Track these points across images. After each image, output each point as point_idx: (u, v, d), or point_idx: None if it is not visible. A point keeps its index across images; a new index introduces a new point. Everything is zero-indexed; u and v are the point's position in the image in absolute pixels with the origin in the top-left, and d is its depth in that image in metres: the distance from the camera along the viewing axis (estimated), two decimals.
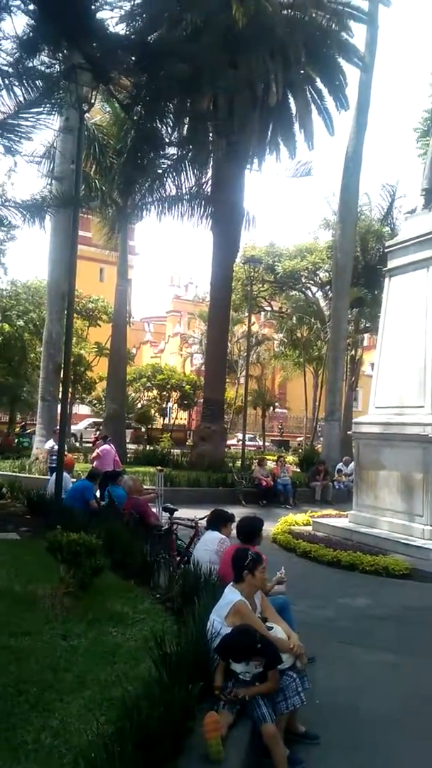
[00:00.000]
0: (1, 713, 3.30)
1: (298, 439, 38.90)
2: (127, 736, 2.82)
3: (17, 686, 3.63)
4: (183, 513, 8.09)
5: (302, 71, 17.53)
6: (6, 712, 3.32)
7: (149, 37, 8.30)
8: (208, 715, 3.08)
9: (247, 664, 3.57)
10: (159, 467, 13.20)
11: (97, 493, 9.59)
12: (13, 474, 13.94)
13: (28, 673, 3.82)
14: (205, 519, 6.32)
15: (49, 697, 3.54)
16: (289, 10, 17.87)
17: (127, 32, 8.95)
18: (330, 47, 17.68)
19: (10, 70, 7.96)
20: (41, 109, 7.14)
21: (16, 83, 7.74)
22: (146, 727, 2.90)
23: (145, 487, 11.15)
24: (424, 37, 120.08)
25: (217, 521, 5.94)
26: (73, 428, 27.73)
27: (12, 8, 7.85)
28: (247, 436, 29.49)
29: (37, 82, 7.69)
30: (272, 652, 3.64)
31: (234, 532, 5.51)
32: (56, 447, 11.72)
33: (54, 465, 10.69)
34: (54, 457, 11.72)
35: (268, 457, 22.03)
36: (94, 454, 14.15)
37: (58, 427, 12.55)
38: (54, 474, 9.47)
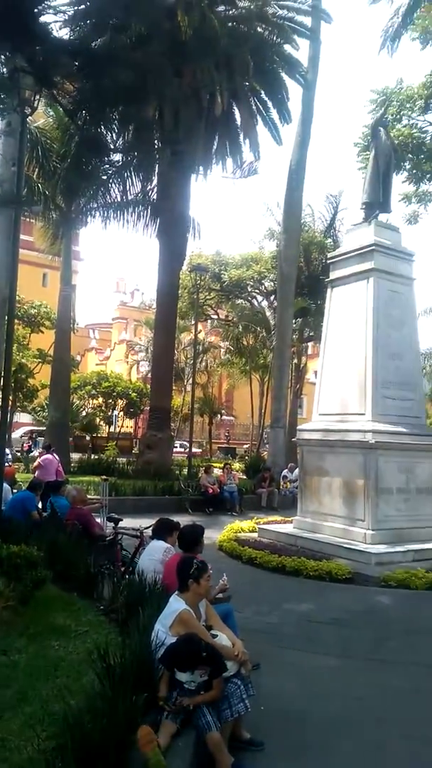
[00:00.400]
0: None
1: (245, 446, 39.19)
2: (68, 752, 2.77)
3: None
4: (129, 523, 8.02)
5: (247, 83, 17.80)
6: None
7: (93, 43, 8.25)
8: (140, 729, 3.04)
9: (192, 673, 3.57)
10: (104, 476, 13.03)
11: (39, 504, 9.36)
12: None
13: None
14: (150, 528, 6.28)
15: None
16: (235, 23, 18.13)
17: (71, 37, 8.88)
18: (274, 61, 18.03)
19: None
20: None
21: None
22: (88, 741, 2.85)
23: (89, 496, 11.00)
24: (365, 54, 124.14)
25: (163, 530, 5.90)
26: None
27: None
28: (183, 443, 29.44)
29: None
30: (217, 660, 3.64)
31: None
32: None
33: None
34: None
35: (214, 464, 22.09)
36: (36, 463, 13.82)
37: None
38: None
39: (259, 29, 17.64)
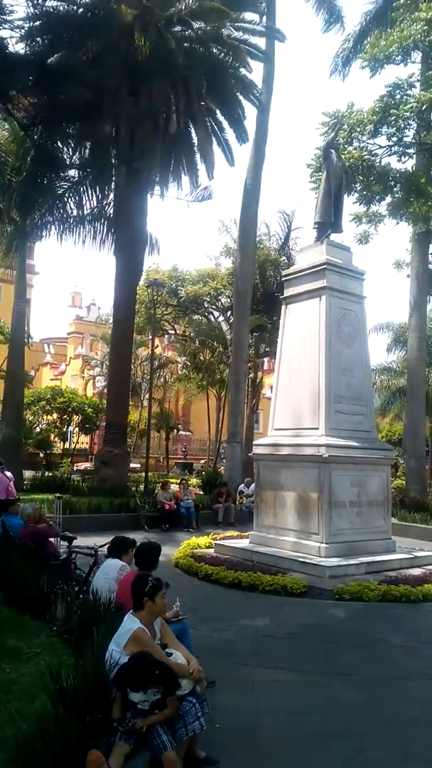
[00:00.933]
0: None
1: (202, 461, 39.14)
2: None
3: None
4: (84, 541, 7.90)
5: (203, 103, 18.09)
6: None
7: (49, 59, 8.27)
8: (89, 753, 3.01)
9: (145, 692, 3.54)
10: (57, 494, 12.80)
11: None
12: None
13: None
14: (105, 546, 6.21)
15: None
16: (191, 44, 18.43)
17: (27, 52, 8.87)
18: (229, 82, 18.39)
19: None
20: None
21: None
22: (40, 766, 2.80)
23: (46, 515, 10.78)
24: (317, 77, 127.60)
25: (118, 548, 5.85)
26: None
27: None
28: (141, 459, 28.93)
29: None
30: (170, 678, 3.63)
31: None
32: None
33: None
34: None
35: (171, 480, 21.97)
36: None
37: None
38: None
39: (214, 50, 17.99)
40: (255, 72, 20.17)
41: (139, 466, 29.13)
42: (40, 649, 4.89)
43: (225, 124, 19.32)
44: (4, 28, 7.38)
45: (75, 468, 30.30)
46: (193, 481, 23.98)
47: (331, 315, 10.97)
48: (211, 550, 11.57)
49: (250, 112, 19.91)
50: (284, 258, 28.23)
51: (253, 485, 15.00)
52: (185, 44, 17.82)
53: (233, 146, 19.61)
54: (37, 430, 32.93)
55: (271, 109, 21.42)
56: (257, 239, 24.95)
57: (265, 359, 32.73)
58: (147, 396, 27.43)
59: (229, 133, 19.45)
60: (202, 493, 19.81)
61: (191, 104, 16.94)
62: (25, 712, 3.71)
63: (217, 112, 19.19)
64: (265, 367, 35.05)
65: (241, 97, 19.19)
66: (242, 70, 19.20)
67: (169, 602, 4.70)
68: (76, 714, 3.27)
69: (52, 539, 8.33)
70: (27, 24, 8.82)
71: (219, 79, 17.93)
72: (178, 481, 19.37)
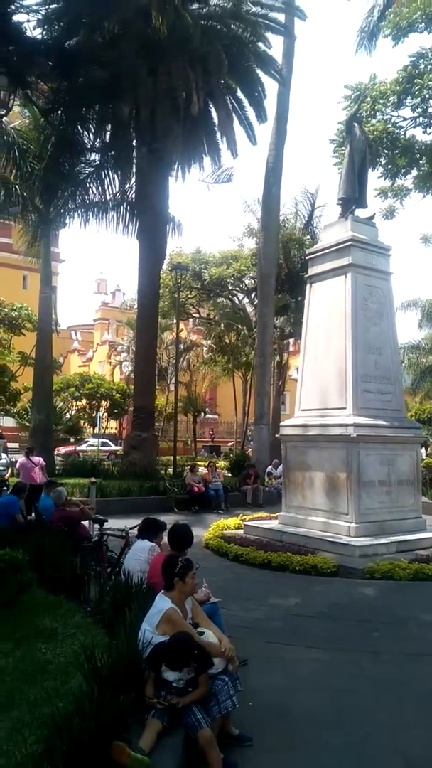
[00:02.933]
0: None
1: (229, 444, 39.26)
2: (57, 754, 2.78)
3: None
4: (115, 523, 8.00)
5: (222, 81, 17.79)
6: None
7: (67, 43, 8.22)
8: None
9: (180, 671, 3.59)
10: (91, 479, 12.99)
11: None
12: None
13: None
14: (136, 528, 6.29)
15: None
16: (209, 21, 18.11)
17: (45, 37, 8.82)
18: (249, 58, 18.05)
19: None
20: None
21: None
22: (77, 743, 2.86)
23: (78, 499, 10.98)
24: (339, 49, 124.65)
25: (149, 530, 5.92)
26: None
27: None
28: (101, 440, 29.26)
29: None
30: (203, 657, 3.67)
31: (165, 539, 5.51)
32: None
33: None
34: None
35: (199, 463, 22.09)
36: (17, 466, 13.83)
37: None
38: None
39: (233, 27, 17.65)
40: (275, 47, 19.77)
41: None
42: (75, 630, 4.98)
43: (245, 102, 19.01)
44: (21, 13, 7.32)
45: (109, 454, 30.66)
46: (221, 463, 24.08)
47: (357, 293, 10.80)
48: (241, 531, 11.63)
49: (271, 89, 19.59)
50: (308, 237, 27.86)
51: (281, 467, 15.01)
52: (203, 22, 17.54)
53: (254, 124, 19.31)
54: (67, 416, 33.40)
55: (292, 84, 21.02)
56: (281, 218, 24.65)
57: (291, 340, 32.49)
58: (173, 380, 27.53)
59: (250, 111, 19.14)
60: (230, 475, 19.89)
61: (210, 82, 16.69)
62: (61, 691, 3.79)
63: (238, 89, 18.87)
64: (291, 348, 34.83)
65: (261, 74, 18.83)
66: (262, 45, 18.80)
67: (200, 583, 4.74)
68: (111, 693, 3.32)
69: (84, 522, 8.47)
70: (44, 8, 8.74)
71: (238, 55, 17.60)
72: (206, 463, 19.48)
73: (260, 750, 3.98)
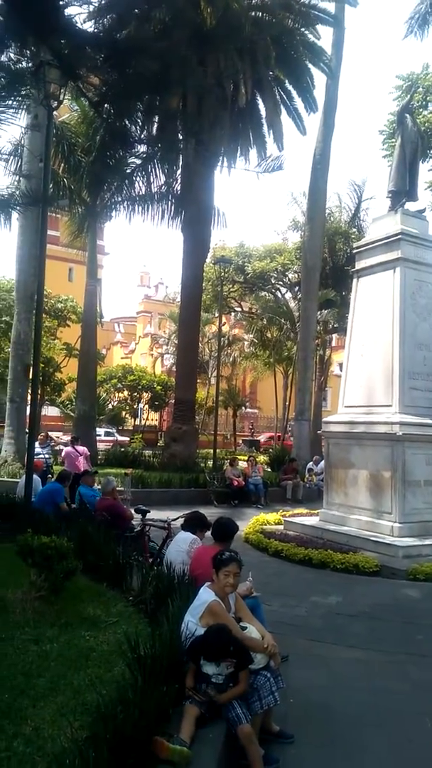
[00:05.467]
0: None
1: (269, 438, 39.12)
2: (101, 742, 2.79)
3: None
4: (155, 514, 8.05)
5: (271, 72, 17.63)
6: None
7: (118, 35, 8.23)
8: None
9: (218, 665, 3.56)
10: (126, 471, 13.13)
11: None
12: None
13: (0, 679, 3.75)
14: (178, 520, 6.29)
15: (21, 703, 3.48)
16: (258, 12, 17.95)
17: (96, 29, 8.86)
18: (297, 49, 17.83)
19: None
20: (9, 103, 7.02)
21: None
22: (121, 732, 2.86)
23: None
24: (390, 39, 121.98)
25: (194, 524, 5.90)
26: None
27: None
28: (105, 429, 29.18)
29: (3, 78, 7.57)
30: (243, 653, 3.64)
31: (209, 533, 5.50)
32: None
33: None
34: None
35: (239, 456, 22.07)
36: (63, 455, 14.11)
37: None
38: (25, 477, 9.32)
39: (282, 17, 17.45)
40: (324, 38, 19.47)
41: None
42: (117, 618, 5.02)
43: (294, 93, 18.80)
44: (73, 5, 7.36)
45: (113, 444, 30.98)
46: (261, 458, 24.00)
47: (405, 287, 10.56)
48: (281, 527, 11.56)
49: (319, 79, 19.29)
50: (355, 230, 27.46)
51: (322, 463, 14.85)
52: (252, 12, 17.39)
53: (303, 115, 19.08)
54: (110, 406, 33.85)
55: (341, 75, 20.65)
56: (327, 211, 24.32)
57: (334, 336, 32.13)
58: (214, 373, 27.55)
59: (298, 102, 18.93)
60: (270, 470, 19.81)
61: (259, 73, 16.56)
62: (105, 679, 3.82)
63: (285, 80, 18.68)
64: (334, 343, 34.43)
65: (310, 65, 18.58)
66: (311, 36, 18.56)
67: (242, 578, 4.71)
68: (154, 682, 3.33)
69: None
70: (96, 0, 8.76)
71: (287, 46, 17.41)
72: (246, 457, 19.45)
73: (301, 747, 3.95)
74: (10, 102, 7.03)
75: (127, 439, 32.16)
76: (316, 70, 18.75)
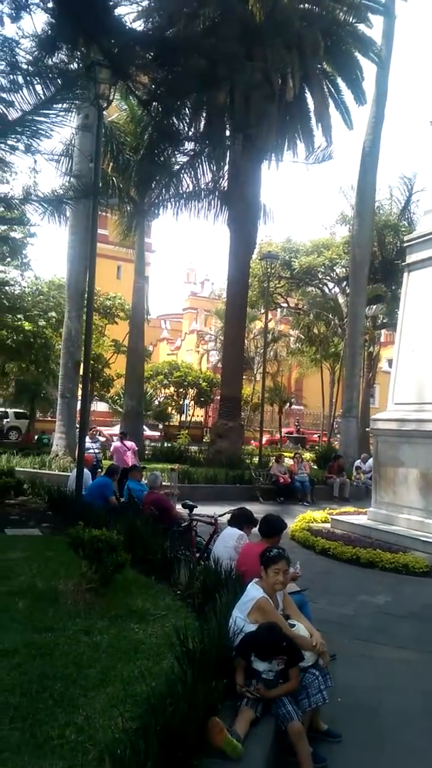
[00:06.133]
0: (26, 709, 3.32)
1: (315, 435, 38.78)
2: (151, 734, 2.83)
3: (41, 682, 3.65)
4: (201, 510, 8.09)
5: (319, 65, 17.41)
6: (31, 707, 3.34)
7: (167, 33, 8.29)
8: (209, 721, 3.05)
9: (269, 662, 3.56)
10: (172, 466, 13.24)
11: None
12: (34, 470, 14.04)
13: (52, 668, 3.85)
14: (225, 515, 6.31)
15: (73, 692, 3.56)
16: (307, 4, 17.74)
17: (145, 28, 8.95)
18: (346, 40, 17.54)
19: (30, 68, 8.00)
20: (60, 106, 7.16)
21: (36, 81, 7.78)
22: (171, 724, 2.90)
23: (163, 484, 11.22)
24: None
25: (241, 520, 5.90)
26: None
27: (31, 6, 7.88)
28: None
29: (56, 80, 7.72)
30: (294, 650, 3.63)
31: (255, 528, 5.49)
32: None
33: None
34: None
35: (285, 453, 21.96)
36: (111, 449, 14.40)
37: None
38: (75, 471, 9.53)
39: (331, 8, 17.19)
40: (374, 26, 19.07)
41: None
42: (165, 611, 5.08)
43: (342, 85, 18.52)
44: (123, 5, 7.44)
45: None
46: (307, 455, 23.81)
47: None
48: (328, 525, 11.45)
49: (368, 70, 18.94)
50: (405, 223, 26.86)
51: (370, 461, 14.62)
52: (301, 5, 17.19)
53: (351, 108, 18.78)
54: (156, 402, 34.20)
55: (391, 65, 20.21)
56: (376, 204, 23.88)
57: (383, 331, 31.51)
58: (260, 370, 27.46)
59: (347, 95, 18.65)
60: (316, 467, 19.63)
61: (307, 66, 16.37)
62: (154, 671, 3.87)
63: (334, 73, 18.42)
64: (383, 339, 33.79)
65: (359, 56, 18.26)
66: (360, 26, 18.22)
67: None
68: (203, 676, 3.35)
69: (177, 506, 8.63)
70: (144, 0, 8.85)
71: (336, 38, 17.16)
72: (292, 454, 19.34)
73: (349, 747, 3.92)
74: (62, 106, 7.15)
75: (157, 434, 32.34)
76: (365, 60, 18.42)
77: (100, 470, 12.33)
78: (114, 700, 3.49)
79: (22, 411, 29.30)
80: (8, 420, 28.65)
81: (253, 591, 3.94)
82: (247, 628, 3.77)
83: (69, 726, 3.18)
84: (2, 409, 30.29)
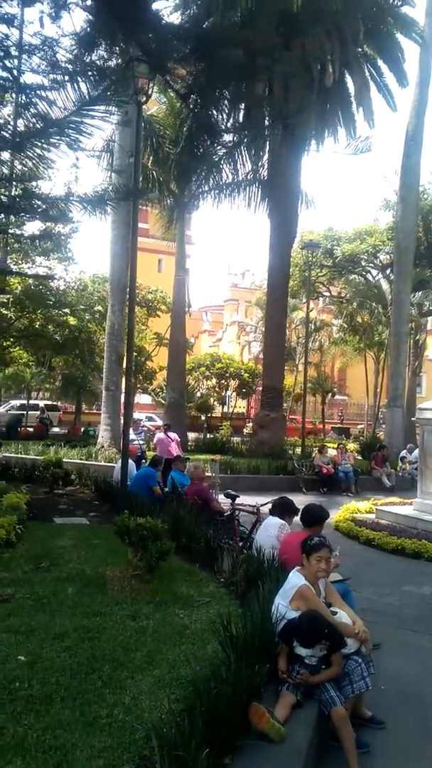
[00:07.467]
0: (76, 689, 3.46)
1: (359, 426, 38.32)
2: (197, 715, 2.91)
3: (90, 664, 3.78)
4: (243, 500, 8.16)
5: (359, 49, 17.06)
6: (81, 688, 3.48)
7: (203, 25, 8.30)
8: (251, 707, 3.11)
9: (312, 647, 3.61)
10: (213, 457, 13.35)
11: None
12: (81, 462, 14.39)
13: (100, 651, 3.98)
14: (267, 505, 6.36)
15: (120, 674, 3.68)
16: None
17: (182, 21, 8.97)
18: (388, 22, 17.13)
19: (70, 66, 8.14)
20: (102, 109, 7.27)
21: (76, 79, 7.91)
22: (215, 706, 2.98)
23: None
24: None
25: (282, 509, 5.95)
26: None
27: (70, 5, 8.01)
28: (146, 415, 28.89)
29: (96, 77, 7.83)
30: (336, 637, 3.66)
31: (297, 517, 5.53)
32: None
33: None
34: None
35: (328, 444, 21.81)
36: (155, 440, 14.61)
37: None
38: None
39: None
40: (417, 5, 18.55)
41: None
42: (209, 598, 5.17)
43: (384, 67, 18.13)
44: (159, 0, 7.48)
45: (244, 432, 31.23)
46: (351, 446, 23.57)
47: None
48: (372, 516, 11.37)
49: (411, 51, 18.48)
50: None
51: (416, 451, 14.41)
52: None
53: (393, 90, 18.36)
54: (198, 394, 34.41)
55: None
56: (420, 188, 23.31)
57: (430, 318, 30.84)
58: (302, 360, 27.27)
59: (389, 77, 18.25)
60: (360, 458, 19.45)
61: (347, 51, 16.07)
62: (198, 655, 3.96)
63: (375, 55, 18.03)
64: (429, 326, 33.07)
65: (400, 37, 17.82)
66: (402, 6, 17.76)
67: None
68: (246, 661, 3.42)
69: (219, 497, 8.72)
70: None
71: (377, 20, 16.78)
72: (336, 445, 19.19)
73: (392, 734, 3.94)
74: (103, 107, 7.25)
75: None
76: (407, 42, 17.96)
77: (144, 461, 12.55)
78: (160, 683, 3.59)
79: (53, 403, 31.04)
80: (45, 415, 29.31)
81: (295, 579, 3.98)
82: (289, 614, 3.82)
83: (117, 706, 3.30)
84: (37, 402, 31.57)
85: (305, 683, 3.53)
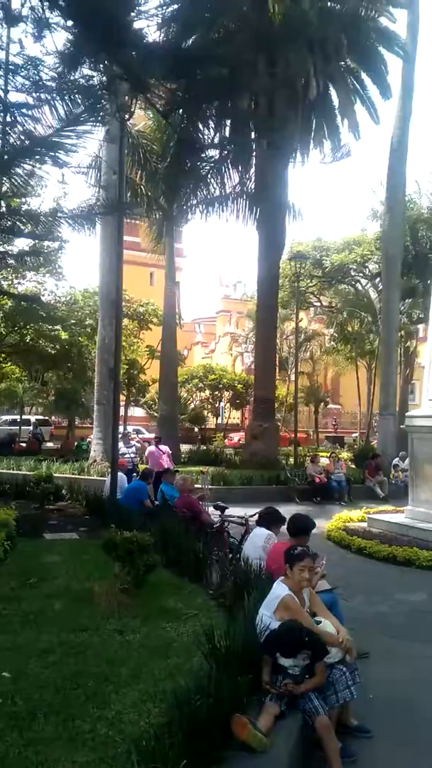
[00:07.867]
0: (60, 705, 3.47)
1: (353, 434, 38.35)
2: (177, 727, 2.93)
3: (75, 679, 3.79)
4: (236, 511, 8.18)
5: (342, 62, 17.30)
6: (65, 703, 3.49)
7: (183, 44, 8.41)
8: (233, 718, 3.13)
9: (295, 657, 3.62)
10: (202, 469, 13.37)
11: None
12: (73, 476, 14.36)
13: (86, 666, 3.99)
14: (255, 516, 6.37)
15: (105, 689, 3.69)
16: (326, 2, 17.66)
17: (163, 40, 9.07)
18: (369, 36, 17.38)
19: (54, 84, 8.24)
20: (86, 127, 7.34)
21: (60, 98, 8.00)
22: (195, 718, 2.99)
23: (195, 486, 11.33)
24: None
25: (269, 519, 5.96)
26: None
27: (52, 25, 8.12)
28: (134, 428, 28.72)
29: (79, 95, 7.92)
30: (317, 645, 3.67)
31: (284, 527, 5.54)
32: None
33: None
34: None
35: (321, 453, 21.82)
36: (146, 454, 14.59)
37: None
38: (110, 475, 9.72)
39: (352, 5, 17.08)
40: (398, 21, 18.87)
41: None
42: (197, 611, 5.18)
43: (367, 80, 18.36)
44: (141, 19, 7.58)
45: (227, 443, 31.18)
46: (344, 454, 23.60)
47: None
48: (364, 524, 11.37)
49: (394, 65, 18.76)
50: None
51: (408, 459, 14.43)
52: (320, 3, 17.12)
53: (377, 103, 18.60)
54: (191, 406, 34.41)
55: (417, 58, 19.94)
56: (407, 198, 23.55)
57: (420, 326, 30.99)
58: (294, 370, 27.34)
59: (372, 90, 18.47)
60: (354, 466, 19.47)
61: (329, 65, 16.30)
62: (184, 669, 3.97)
63: (358, 69, 18.28)
64: (420, 334, 33.22)
65: (383, 51, 18.08)
66: (383, 20, 18.04)
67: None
68: (229, 672, 3.44)
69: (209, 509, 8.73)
70: (161, 12, 8.98)
71: (358, 34, 16.99)
72: (328, 454, 19.21)
73: (379, 743, 3.94)
74: (87, 126, 7.33)
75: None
76: (389, 55, 18.23)
77: (135, 474, 12.54)
78: (145, 696, 3.61)
79: (45, 418, 31.74)
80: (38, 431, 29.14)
81: (279, 589, 4.01)
82: (273, 625, 3.84)
83: (100, 721, 3.31)
84: (29, 417, 31.51)
85: (290, 693, 3.54)
